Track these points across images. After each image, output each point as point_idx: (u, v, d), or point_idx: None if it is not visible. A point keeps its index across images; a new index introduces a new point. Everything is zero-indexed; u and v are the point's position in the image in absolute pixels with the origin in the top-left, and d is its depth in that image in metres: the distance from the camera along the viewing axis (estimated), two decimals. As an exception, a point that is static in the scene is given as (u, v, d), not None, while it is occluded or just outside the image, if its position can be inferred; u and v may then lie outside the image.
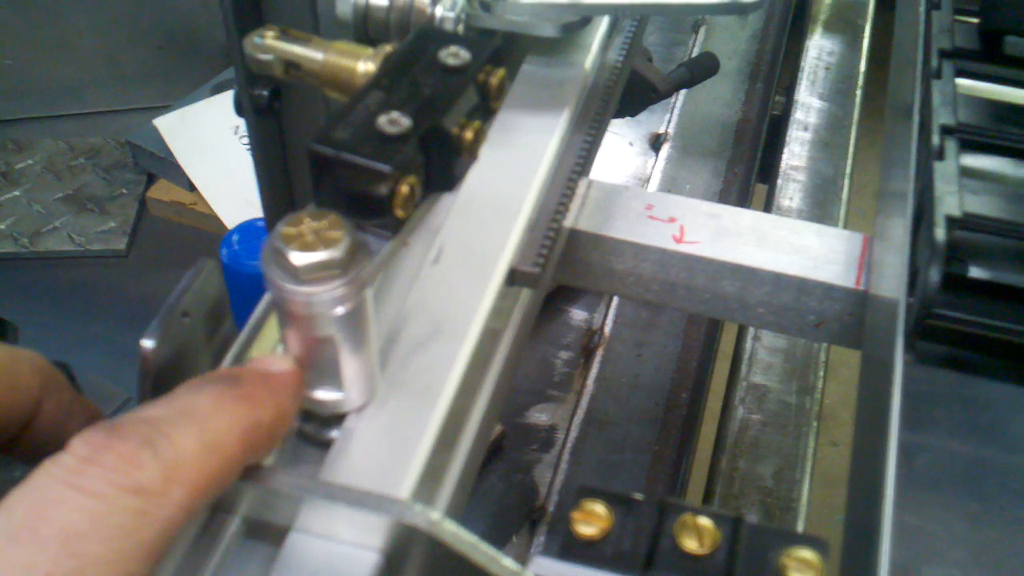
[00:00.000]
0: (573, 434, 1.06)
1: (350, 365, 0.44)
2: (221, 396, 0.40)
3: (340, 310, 0.41)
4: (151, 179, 1.53)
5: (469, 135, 0.46)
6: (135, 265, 1.46)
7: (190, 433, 0.38)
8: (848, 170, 1.34)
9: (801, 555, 0.42)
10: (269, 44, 0.50)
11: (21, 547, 0.33)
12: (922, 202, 0.57)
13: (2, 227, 1.46)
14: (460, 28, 0.58)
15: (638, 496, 0.44)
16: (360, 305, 0.42)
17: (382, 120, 0.43)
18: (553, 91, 0.61)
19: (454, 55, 0.47)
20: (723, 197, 1.34)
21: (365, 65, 0.50)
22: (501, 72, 0.48)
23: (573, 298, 1.22)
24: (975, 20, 0.67)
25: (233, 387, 0.40)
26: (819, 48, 1.52)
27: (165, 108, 1.56)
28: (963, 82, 0.64)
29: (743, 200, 1.34)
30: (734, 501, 0.99)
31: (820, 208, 1.30)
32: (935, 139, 0.58)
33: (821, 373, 1.09)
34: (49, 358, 0.47)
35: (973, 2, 0.68)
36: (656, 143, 1.41)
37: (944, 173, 0.56)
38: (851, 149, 1.37)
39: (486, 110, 0.48)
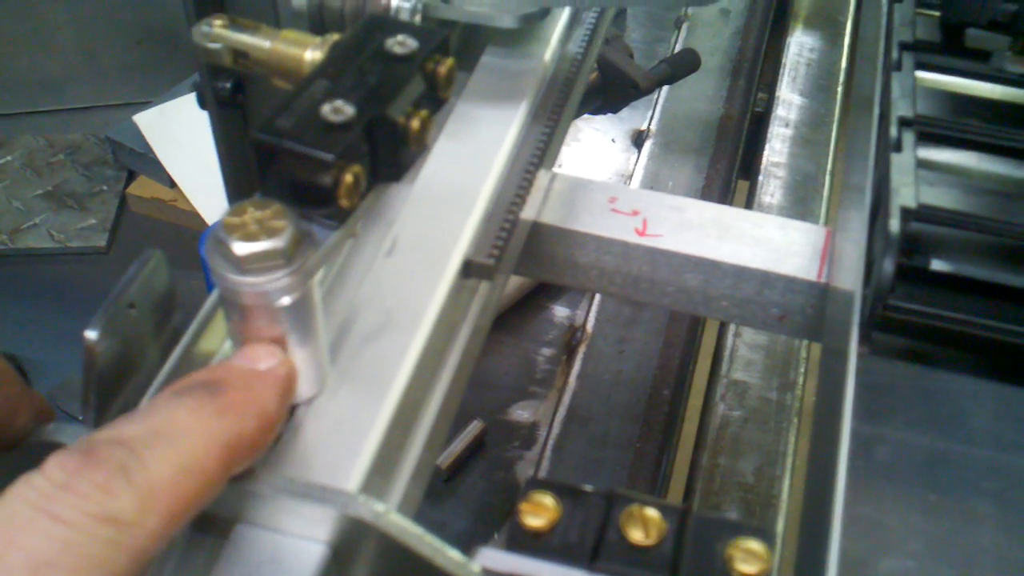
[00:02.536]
0: (555, 431, 1.05)
1: (298, 357, 0.43)
2: (200, 410, 0.39)
3: (286, 300, 0.41)
4: (131, 176, 1.53)
5: (416, 124, 0.46)
6: (115, 262, 1.46)
7: (166, 456, 0.37)
8: (829, 166, 1.34)
9: (748, 546, 0.42)
10: (217, 33, 0.50)
11: None
12: (880, 193, 0.57)
13: (-20, 224, 1.45)
14: (417, 19, 0.58)
15: (587, 487, 0.44)
16: (306, 296, 0.42)
17: (326, 108, 0.43)
18: (512, 82, 0.61)
19: (401, 44, 0.47)
20: (705, 194, 1.34)
21: (312, 54, 0.50)
22: (450, 61, 0.48)
23: (555, 295, 1.22)
24: (937, 13, 0.67)
25: (213, 398, 0.39)
26: (800, 44, 1.52)
27: (145, 104, 1.56)
28: (924, 75, 0.64)
29: (724, 197, 1.34)
30: (714, 497, 0.99)
31: (801, 204, 1.30)
32: (893, 131, 0.58)
33: (802, 370, 1.09)
34: (-4, 351, 0.47)
35: (936, -7, 0.68)
36: (638, 140, 1.41)
37: (901, 165, 0.56)
38: (832, 146, 1.37)
39: (434, 99, 0.48)
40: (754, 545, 0.42)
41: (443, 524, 1.01)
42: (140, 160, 1.51)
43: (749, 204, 1.28)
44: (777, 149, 1.35)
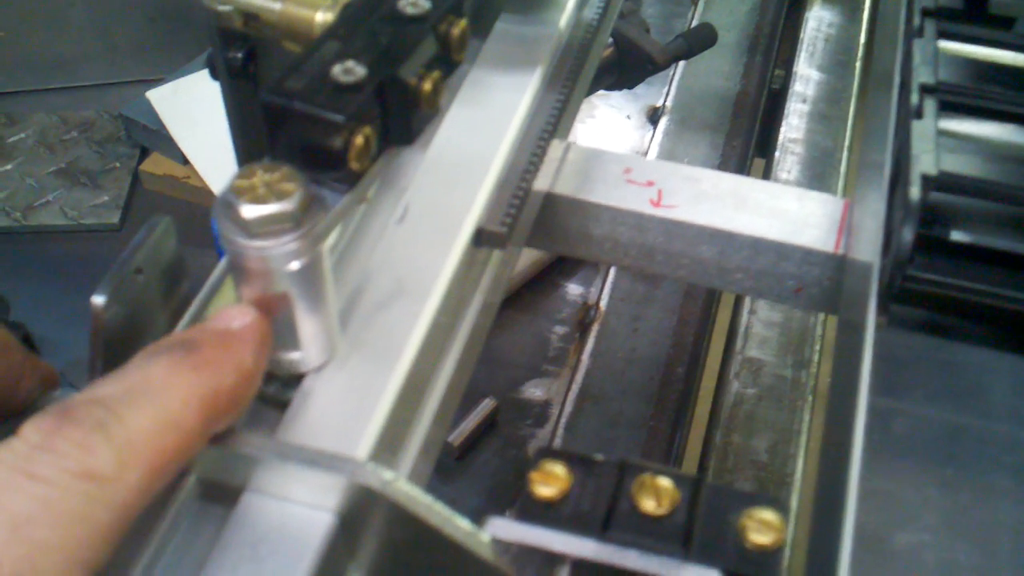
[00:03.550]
0: (568, 409, 1.05)
1: (307, 323, 0.43)
2: (176, 366, 0.38)
3: (294, 265, 0.40)
4: (144, 152, 1.52)
5: (428, 86, 0.45)
6: (128, 239, 1.44)
7: (144, 412, 0.37)
8: (847, 142, 1.32)
9: (762, 516, 0.41)
10: (227, -4, 0.49)
11: None
12: (899, 162, 0.56)
13: (-6, 201, 1.45)
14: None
15: (598, 457, 0.43)
16: (315, 260, 0.41)
17: (336, 69, 0.42)
18: (526, 49, 0.60)
19: (413, 4, 0.46)
20: (721, 170, 1.33)
21: (323, 15, 0.49)
22: (463, 23, 0.47)
23: (569, 272, 1.22)
24: (960, -21, 0.66)
25: (188, 354, 0.39)
26: (819, 19, 1.51)
27: (158, 81, 1.55)
28: (946, 44, 0.63)
29: (741, 173, 1.33)
30: (728, 475, 0.98)
31: (819, 181, 1.29)
32: (914, 98, 0.57)
33: (817, 347, 1.08)
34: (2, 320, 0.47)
35: (958, -40, 0.67)
36: (654, 116, 1.40)
37: (922, 132, 0.55)
38: (850, 121, 1.35)
39: (447, 62, 0.47)
40: (768, 515, 0.41)
41: (455, 501, 1.00)
42: (153, 137, 1.50)
43: (767, 179, 1.27)
44: (794, 125, 1.34)
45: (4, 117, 1.58)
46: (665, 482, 0.42)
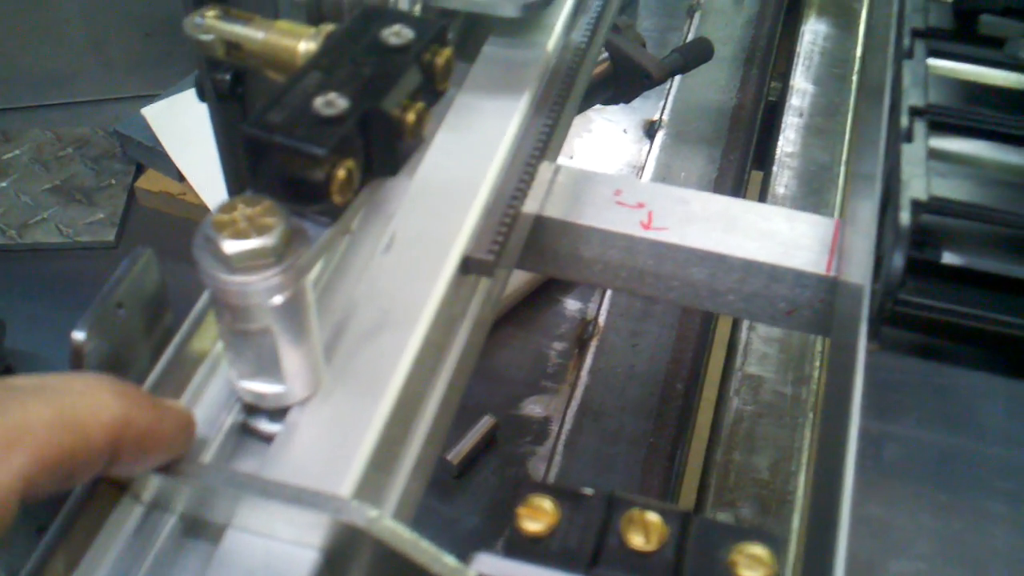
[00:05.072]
0: (567, 426, 1.05)
1: (290, 357, 0.42)
2: (98, 384, 0.39)
3: (276, 300, 0.40)
4: (140, 169, 1.51)
5: (411, 117, 0.45)
6: (124, 256, 1.45)
7: (47, 405, 0.36)
8: (844, 156, 1.32)
9: (752, 551, 0.41)
10: (209, 24, 0.49)
11: None
12: (890, 185, 0.55)
13: (-11, 218, 1.45)
14: (417, 8, 0.57)
15: (586, 491, 0.43)
16: (298, 295, 0.41)
17: (318, 102, 0.42)
18: (514, 73, 0.60)
19: (396, 34, 0.46)
20: (718, 184, 1.33)
21: (306, 45, 0.49)
22: (447, 52, 0.47)
23: (567, 288, 1.22)
24: (950, -1, 0.66)
25: (115, 383, 0.39)
26: (814, 33, 1.51)
27: (154, 97, 1.55)
28: (936, 62, 0.62)
29: (738, 187, 1.33)
30: (729, 494, 0.98)
31: (815, 195, 1.29)
32: (904, 121, 0.57)
33: (817, 364, 1.08)
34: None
35: (949, -21, 0.67)
36: (650, 130, 1.40)
37: (912, 156, 0.54)
38: (847, 135, 1.35)
39: (432, 91, 0.47)
40: (758, 550, 0.41)
41: (454, 520, 1.01)
42: (148, 153, 1.50)
43: (763, 194, 1.27)
44: (791, 139, 1.34)
45: (-1, 134, 1.58)
46: (653, 517, 0.41)
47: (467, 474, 1.03)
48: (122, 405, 0.38)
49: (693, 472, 1.05)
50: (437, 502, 1.02)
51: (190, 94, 1.57)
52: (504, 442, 1.06)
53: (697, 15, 1.57)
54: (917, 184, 0.53)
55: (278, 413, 0.45)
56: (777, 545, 0.41)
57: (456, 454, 1.02)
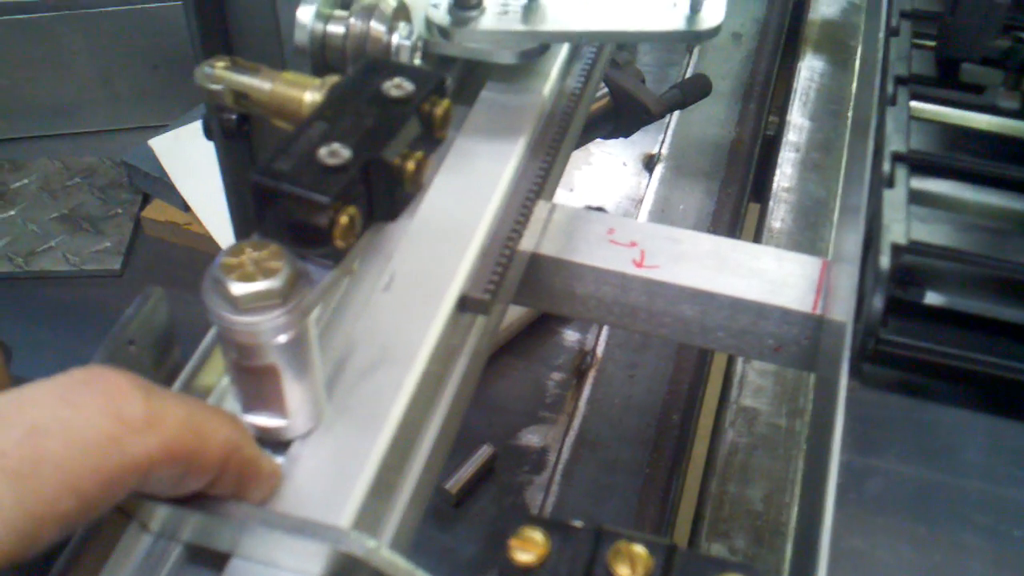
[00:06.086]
0: (565, 456, 1.05)
1: (294, 393, 0.44)
2: (218, 408, 0.43)
3: (281, 339, 0.42)
4: (146, 199, 1.54)
5: (411, 166, 0.47)
6: (129, 285, 1.47)
7: (182, 405, 0.39)
8: (840, 191, 1.34)
9: (733, 582, 0.42)
10: (219, 74, 0.51)
11: None
12: (872, 228, 0.57)
13: (-3, 246, 1.47)
14: (417, 56, 0.59)
15: (576, 523, 0.44)
16: (302, 334, 0.43)
17: (323, 152, 0.44)
18: (511, 117, 0.62)
19: (397, 87, 0.48)
20: (716, 217, 1.34)
21: (312, 95, 0.51)
22: (446, 103, 0.49)
23: (565, 320, 1.23)
24: (933, 43, 0.68)
25: (231, 414, 0.43)
26: (811, 69, 1.53)
27: (160, 128, 1.57)
28: (919, 105, 0.64)
29: (735, 220, 1.35)
30: (723, 525, 0.99)
31: (811, 230, 1.30)
32: (886, 166, 0.59)
33: (811, 397, 1.09)
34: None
35: (931, 27, 0.69)
36: (650, 164, 1.41)
37: (893, 201, 0.56)
38: (842, 171, 1.36)
39: (431, 140, 0.49)
40: (739, 581, 0.42)
41: (453, 549, 1.02)
42: (155, 184, 1.52)
43: (759, 228, 1.28)
44: (787, 174, 1.35)
45: (8, 163, 1.60)
46: (639, 549, 0.43)
47: (465, 503, 1.05)
48: (236, 431, 0.42)
49: (688, 502, 1.06)
50: (436, 530, 1.03)
51: (196, 126, 1.59)
52: (502, 471, 1.07)
53: (696, 51, 1.59)
54: (897, 228, 0.55)
55: (281, 446, 0.46)
56: (757, 576, 0.42)
57: (455, 483, 1.03)
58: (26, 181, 1.57)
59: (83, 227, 1.50)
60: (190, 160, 1.52)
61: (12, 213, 1.52)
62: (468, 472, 1.04)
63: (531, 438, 1.10)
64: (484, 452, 1.06)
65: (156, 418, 0.38)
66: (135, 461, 0.37)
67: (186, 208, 1.49)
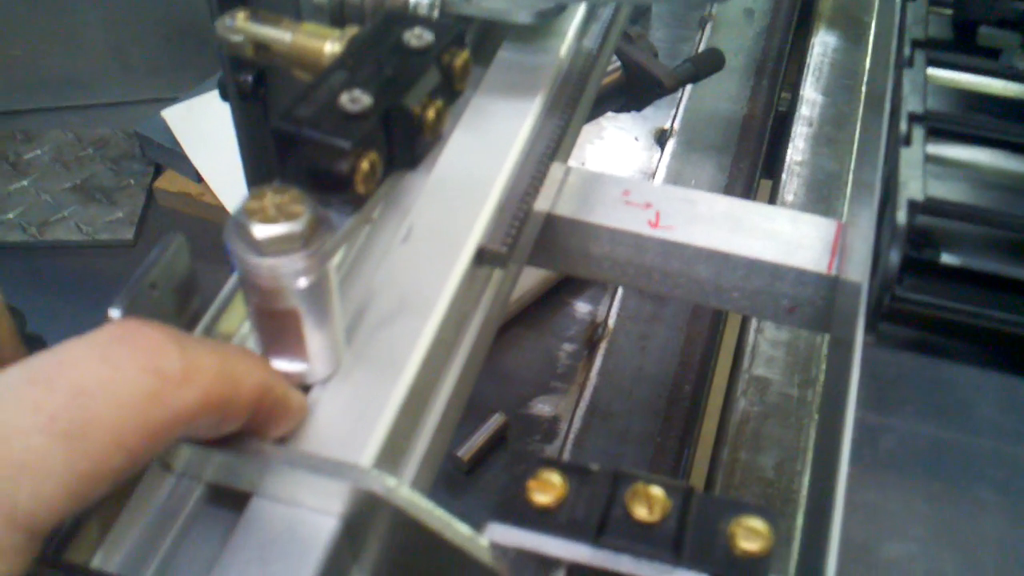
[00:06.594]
0: (576, 425, 1.06)
1: (314, 337, 0.45)
2: (247, 350, 0.44)
3: (302, 282, 0.42)
4: (159, 170, 1.54)
5: (431, 114, 0.47)
6: (142, 255, 1.46)
7: (214, 354, 0.40)
8: (852, 166, 1.34)
9: (750, 523, 0.43)
10: (240, 26, 0.51)
11: (35, 388, 0.36)
12: (888, 187, 0.58)
13: (11, 216, 1.47)
14: (435, 14, 0.59)
15: (593, 466, 0.45)
16: (322, 278, 0.43)
17: (344, 98, 0.44)
18: (527, 77, 0.62)
19: (417, 37, 0.48)
20: (728, 192, 1.35)
21: (332, 46, 0.51)
22: (464, 54, 0.49)
23: (577, 291, 1.23)
24: (949, 11, 0.68)
25: (259, 355, 0.45)
26: (824, 44, 1.53)
27: (173, 99, 1.58)
28: (936, 72, 0.65)
29: (747, 195, 1.35)
30: (735, 492, 1.00)
31: (824, 203, 1.30)
32: (903, 126, 0.59)
33: (823, 366, 1.09)
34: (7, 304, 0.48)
35: (949, -8, 0.69)
36: (661, 138, 1.41)
37: (909, 159, 0.57)
38: (855, 145, 1.37)
39: (450, 91, 0.49)
40: (756, 523, 0.43)
41: (464, 515, 1.02)
42: (167, 155, 1.52)
43: (772, 202, 1.28)
44: (800, 148, 1.35)
45: (21, 134, 1.61)
46: (657, 491, 0.44)
47: (477, 471, 1.05)
48: (266, 372, 0.43)
49: (700, 471, 1.07)
50: (448, 497, 1.04)
51: (209, 97, 1.60)
52: (514, 440, 1.08)
53: (709, 26, 1.59)
54: (914, 186, 0.55)
55: (301, 390, 0.47)
56: (775, 519, 0.43)
57: (467, 450, 1.04)
58: (39, 152, 1.58)
59: (96, 198, 1.51)
60: (203, 131, 1.52)
61: (25, 183, 1.52)
62: (480, 440, 1.05)
63: (543, 408, 1.11)
64: (496, 420, 1.07)
65: (193, 370, 0.38)
66: (176, 415, 0.38)
67: (199, 179, 1.49)
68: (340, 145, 0.43)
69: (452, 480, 1.04)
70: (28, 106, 1.67)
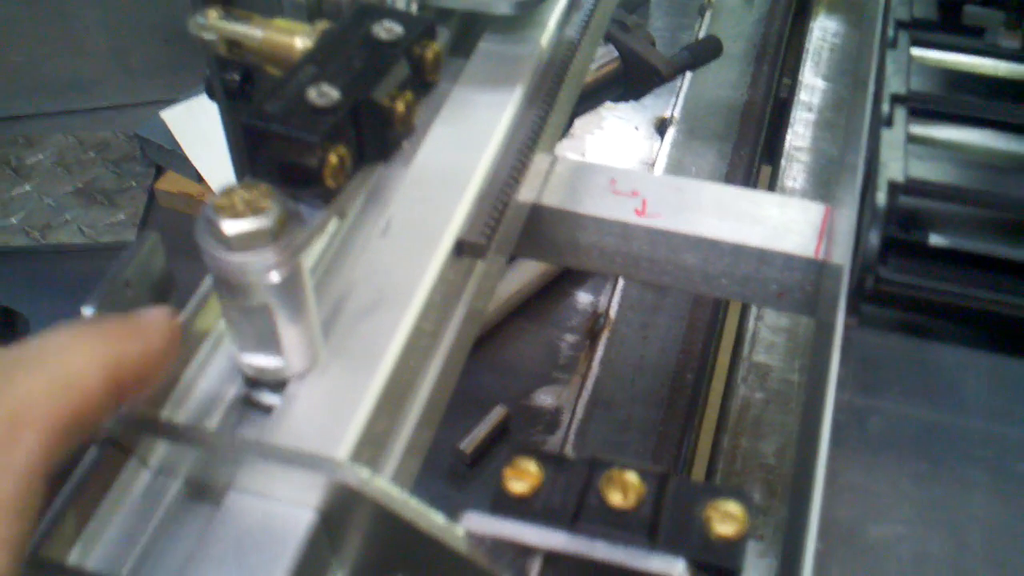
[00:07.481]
0: (579, 415, 1.06)
1: (288, 332, 0.45)
2: (78, 334, 0.39)
3: (273, 277, 0.42)
4: (160, 171, 1.55)
5: (400, 107, 0.47)
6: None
7: (38, 374, 0.36)
8: (843, 141, 1.33)
9: (726, 507, 0.43)
10: (211, 23, 0.52)
11: None
12: (870, 169, 0.57)
13: (13, 221, 1.48)
14: (414, 7, 0.59)
15: (569, 454, 0.45)
16: (294, 273, 0.43)
17: (312, 93, 0.44)
18: (508, 67, 0.62)
19: (387, 30, 0.48)
20: (729, 179, 1.34)
21: (302, 41, 0.51)
22: (435, 46, 0.49)
23: (578, 281, 1.23)
24: (935, -9, 0.68)
25: (92, 325, 0.40)
26: (824, 29, 1.52)
27: (173, 101, 1.58)
28: (920, 51, 0.64)
29: (748, 182, 1.34)
30: (736, 478, 1.00)
31: (824, 188, 1.30)
32: (885, 107, 0.59)
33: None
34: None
35: (933, -28, 0.69)
36: (662, 127, 1.41)
37: (891, 140, 0.56)
38: (845, 121, 1.36)
39: (421, 83, 0.49)
40: (732, 507, 0.43)
41: (467, 507, 1.02)
42: (168, 156, 1.53)
43: (772, 188, 1.28)
44: (800, 133, 1.35)
45: (23, 139, 1.62)
46: (632, 477, 0.44)
47: (480, 463, 1.05)
48: (109, 347, 0.39)
49: (702, 458, 1.07)
50: (451, 490, 1.04)
51: (207, 98, 1.60)
52: (516, 431, 1.08)
53: (708, 14, 1.58)
54: (895, 166, 0.55)
55: (278, 385, 0.47)
56: (749, 502, 0.43)
57: (469, 443, 1.04)
58: (41, 156, 1.59)
59: (98, 200, 1.52)
60: (203, 132, 1.53)
61: (28, 188, 1.53)
62: (482, 432, 1.05)
63: (545, 399, 1.11)
64: (498, 412, 1.07)
65: (19, 413, 0.35)
66: (26, 469, 0.35)
67: (199, 179, 1.50)
68: (307, 139, 0.43)
69: (455, 473, 1.04)
70: (29, 111, 1.68)
